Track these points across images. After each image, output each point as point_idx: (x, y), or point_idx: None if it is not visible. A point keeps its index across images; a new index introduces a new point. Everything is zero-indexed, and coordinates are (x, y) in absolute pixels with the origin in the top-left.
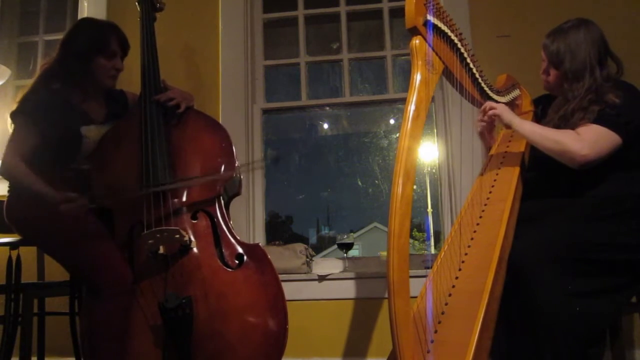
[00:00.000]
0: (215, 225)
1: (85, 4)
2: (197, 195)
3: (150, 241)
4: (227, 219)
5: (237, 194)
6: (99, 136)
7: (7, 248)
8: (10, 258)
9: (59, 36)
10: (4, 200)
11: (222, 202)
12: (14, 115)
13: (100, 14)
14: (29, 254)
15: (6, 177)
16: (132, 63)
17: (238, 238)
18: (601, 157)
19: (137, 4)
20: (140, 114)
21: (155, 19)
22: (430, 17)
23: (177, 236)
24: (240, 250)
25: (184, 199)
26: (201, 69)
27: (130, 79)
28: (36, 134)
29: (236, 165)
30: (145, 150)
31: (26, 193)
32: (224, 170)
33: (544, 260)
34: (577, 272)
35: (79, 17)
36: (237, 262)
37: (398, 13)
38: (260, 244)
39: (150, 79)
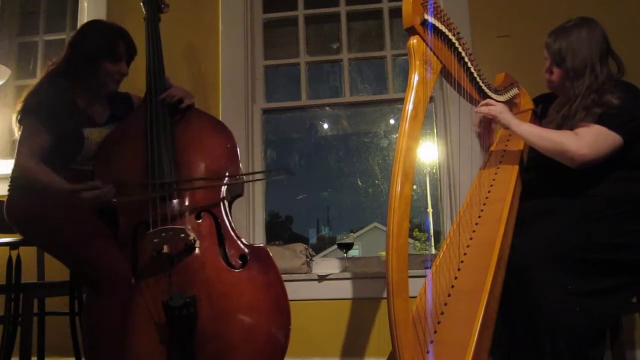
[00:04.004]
0: (219, 226)
1: (86, 4)
2: (202, 196)
3: (155, 240)
4: (230, 219)
5: (240, 195)
6: (101, 138)
7: (7, 248)
8: (10, 258)
9: (59, 36)
10: (4, 201)
11: (226, 202)
12: (21, 116)
13: (100, 14)
14: (29, 254)
15: (23, 179)
16: (136, 62)
17: (242, 239)
18: (600, 157)
19: (142, 4)
20: (145, 114)
21: (159, 19)
22: (427, 17)
23: (182, 235)
24: (244, 250)
25: (189, 199)
26: (201, 69)
27: (134, 80)
28: (44, 133)
29: (239, 165)
30: (151, 148)
31: (45, 190)
32: (228, 171)
33: (544, 261)
34: (577, 272)
35: (79, 17)
36: (240, 262)
37: (398, 13)
38: (264, 245)
39: (156, 79)
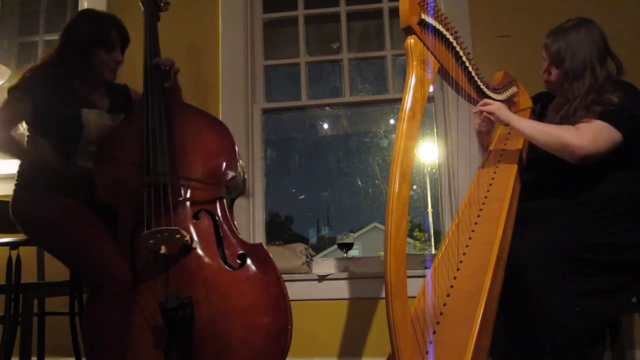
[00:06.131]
0: (217, 225)
1: (85, 4)
2: (200, 195)
3: (150, 241)
4: (229, 218)
5: (242, 193)
6: (101, 122)
7: (7, 248)
8: (10, 258)
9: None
10: (4, 201)
11: (225, 202)
12: (8, 90)
13: None
14: (29, 254)
15: None
16: (136, 60)
17: (240, 238)
18: (601, 152)
19: (140, 3)
20: (142, 112)
21: (159, 18)
22: (424, 17)
23: (178, 236)
24: (242, 250)
25: (185, 197)
26: (201, 69)
27: (134, 78)
28: (27, 106)
29: (239, 164)
30: (146, 144)
31: (17, 156)
32: (225, 169)
33: (544, 261)
34: (577, 272)
35: None
36: (239, 262)
37: (398, 13)
38: (263, 244)
39: (153, 78)
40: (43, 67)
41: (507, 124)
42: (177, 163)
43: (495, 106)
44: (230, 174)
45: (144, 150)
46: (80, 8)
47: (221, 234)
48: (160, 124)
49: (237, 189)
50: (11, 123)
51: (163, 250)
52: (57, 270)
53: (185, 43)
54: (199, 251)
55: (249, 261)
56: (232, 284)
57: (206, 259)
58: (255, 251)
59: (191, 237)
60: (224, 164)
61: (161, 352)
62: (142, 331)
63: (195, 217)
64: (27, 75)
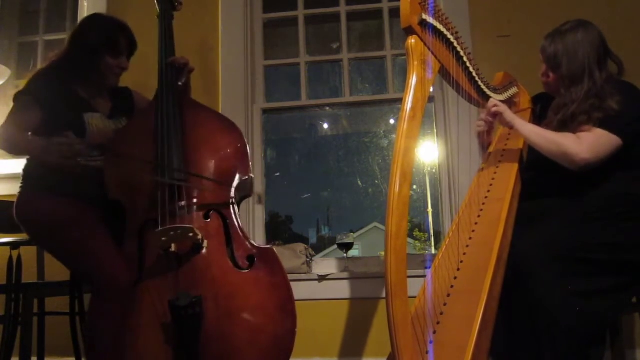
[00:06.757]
0: (227, 226)
1: (85, 4)
2: (210, 195)
3: (163, 238)
4: (239, 220)
5: (248, 195)
6: (103, 126)
7: (8, 248)
8: (10, 258)
9: (59, 36)
10: (5, 201)
11: (235, 202)
12: (17, 95)
13: None
14: (29, 254)
15: (6, 148)
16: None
17: (250, 239)
18: (601, 160)
19: (156, 3)
20: (156, 111)
21: (173, 17)
22: (425, 17)
23: (191, 234)
24: (251, 251)
25: (197, 198)
26: (201, 69)
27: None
28: (38, 114)
29: (249, 165)
30: (161, 145)
31: (29, 153)
32: (238, 172)
33: (544, 261)
34: (577, 272)
35: (79, 17)
36: (248, 263)
37: (398, 13)
38: (272, 247)
39: (168, 77)
40: (49, 70)
41: (511, 127)
42: (189, 163)
43: (504, 107)
44: (243, 177)
45: (157, 148)
46: (80, 8)
47: (231, 235)
48: (175, 123)
49: (245, 190)
50: (26, 129)
51: (173, 248)
52: (57, 270)
53: (185, 43)
54: (209, 251)
55: (257, 263)
56: (240, 285)
57: (216, 259)
58: (264, 253)
59: (203, 236)
60: (238, 167)
61: (168, 350)
62: (147, 330)
63: (206, 216)
64: (35, 80)
